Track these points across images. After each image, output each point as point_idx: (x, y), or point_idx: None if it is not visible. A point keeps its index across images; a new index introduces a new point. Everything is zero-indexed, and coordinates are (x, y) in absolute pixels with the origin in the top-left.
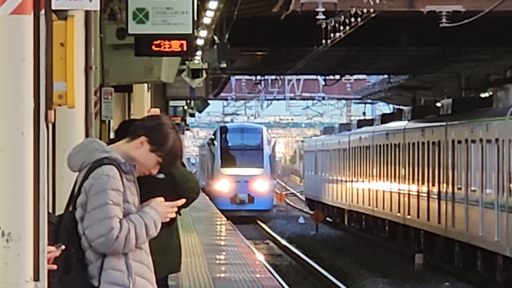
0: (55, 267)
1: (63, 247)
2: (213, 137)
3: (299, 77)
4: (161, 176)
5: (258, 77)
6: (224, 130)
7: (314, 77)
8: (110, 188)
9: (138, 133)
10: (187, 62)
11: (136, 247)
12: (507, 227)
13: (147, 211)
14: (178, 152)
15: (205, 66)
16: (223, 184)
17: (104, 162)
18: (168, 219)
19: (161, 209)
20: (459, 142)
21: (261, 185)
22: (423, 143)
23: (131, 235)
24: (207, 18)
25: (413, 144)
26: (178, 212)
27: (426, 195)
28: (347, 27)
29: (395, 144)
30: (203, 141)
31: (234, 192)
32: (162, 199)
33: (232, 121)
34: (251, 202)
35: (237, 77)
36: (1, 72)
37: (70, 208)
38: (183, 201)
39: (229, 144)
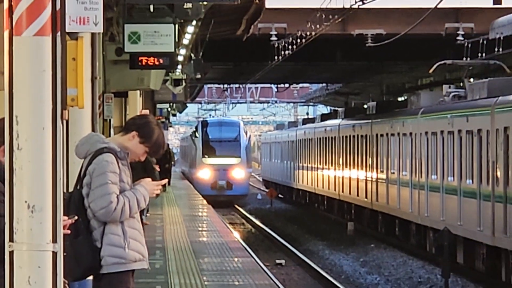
0: (69, 232)
1: (76, 217)
2: (195, 130)
3: (257, 85)
4: None
5: (225, 85)
6: (205, 124)
7: (268, 85)
8: (109, 171)
9: (131, 129)
10: (170, 73)
11: (130, 216)
12: (418, 201)
13: (138, 188)
14: (161, 143)
15: (184, 77)
16: (205, 172)
17: (104, 151)
18: (154, 195)
19: (149, 187)
20: (382, 135)
21: (238, 173)
22: (353, 136)
23: (126, 207)
24: (186, 39)
25: (346, 137)
26: (165, 190)
27: (356, 176)
28: (294, 46)
29: (332, 137)
30: (183, 135)
31: (214, 179)
32: (149, 179)
33: (210, 116)
34: (230, 188)
35: (209, 85)
36: (27, 80)
37: (78, 187)
38: (165, 181)
39: (210, 137)
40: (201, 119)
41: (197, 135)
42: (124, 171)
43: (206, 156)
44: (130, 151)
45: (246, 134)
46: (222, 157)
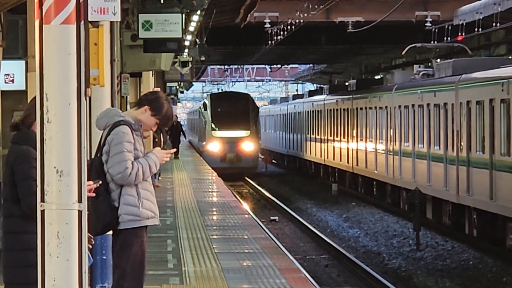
0: (94, 195)
1: (100, 182)
2: (205, 102)
3: (253, 66)
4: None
5: (226, 66)
6: (214, 96)
7: (263, 66)
8: (125, 140)
9: (143, 104)
10: (178, 56)
11: (143, 180)
12: (393, 165)
13: (150, 156)
14: (170, 116)
15: (190, 59)
16: (214, 145)
17: (120, 123)
18: (164, 162)
19: (159, 154)
20: (361, 108)
21: (248, 145)
22: (337, 110)
23: (139, 172)
24: (192, 26)
25: (330, 110)
26: (177, 157)
27: (339, 144)
28: (285, 32)
29: (318, 111)
30: (190, 109)
31: (224, 152)
32: (159, 148)
33: (218, 89)
34: (239, 161)
35: (212, 66)
36: (55, 63)
37: (98, 155)
38: (174, 150)
39: (219, 109)
40: (211, 92)
41: (206, 108)
42: (137, 140)
43: (216, 129)
44: (143, 123)
45: (256, 106)
46: (231, 130)
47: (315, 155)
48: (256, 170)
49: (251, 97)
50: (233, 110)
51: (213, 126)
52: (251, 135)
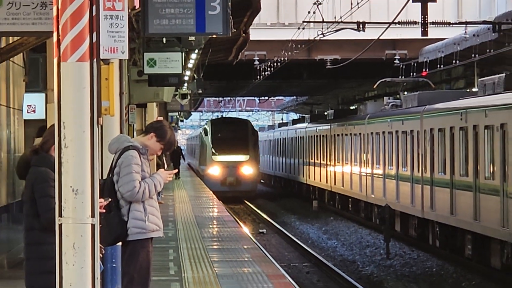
0: (104, 211)
1: (110, 199)
2: (206, 128)
3: (244, 98)
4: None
5: (220, 98)
6: (215, 122)
7: (253, 98)
8: (133, 163)
9: (149, 131)
10: (179, 89)
11: (149, 197)
12: (366, 184)
13: (155, 176)
14: (173, 142)
15: (189, 92)
16: (215, 169)
17: (129, 148)
18: (168, 181)
19: (163, 175)
20: (338, 135)
21: (247, 169)
22: (317, 136)
23: (146, 191)
24: (190, 63)
25: (311, 136)
26: (177, 177)
27: (319, 166)
28: (272, 68)
29: (300, 137)
30: (189, 136)
31: (224, 176)
32: (163, 169)
33: (216, 116)
34: (239, 184)
35: (208, 98)
36: (71, 95)
37: (110, 175)
38: (176, 171)
39: (219, 135)
40: (211, 118)
41: (207, 133)
42: (144, 163)
43: (216, 153)
44: (149, 148)
45: (255, 131)
46: (231, 155)
47: (298, 175)
48: (255, 193)
49: (250, 122)
50: (233, 135)
51: (214, 150)
52: (250, 160)
